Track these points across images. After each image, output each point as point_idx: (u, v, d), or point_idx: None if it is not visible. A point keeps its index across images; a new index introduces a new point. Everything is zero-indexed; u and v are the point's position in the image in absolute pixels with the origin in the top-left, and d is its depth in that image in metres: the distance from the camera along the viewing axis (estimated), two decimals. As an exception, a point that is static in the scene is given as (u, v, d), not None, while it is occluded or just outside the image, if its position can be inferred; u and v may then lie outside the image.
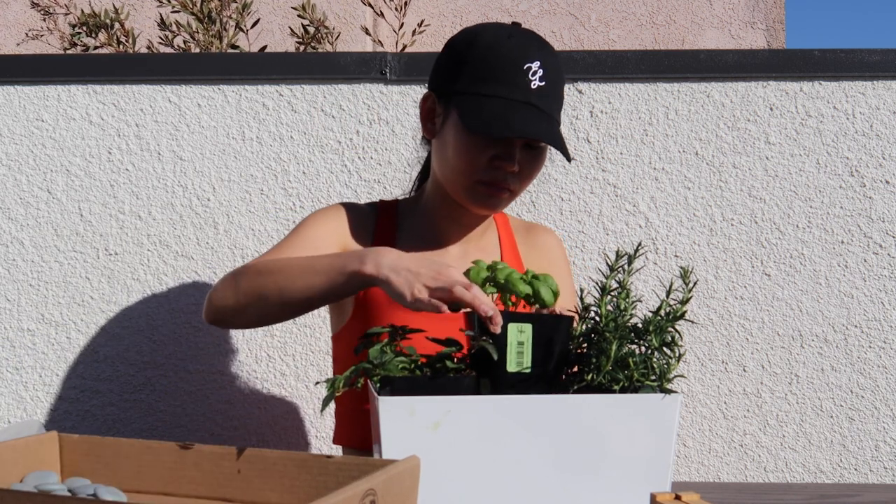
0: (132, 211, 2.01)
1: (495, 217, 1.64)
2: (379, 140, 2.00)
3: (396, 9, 2.70)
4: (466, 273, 1.24)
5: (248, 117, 2.01)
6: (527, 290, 1.21)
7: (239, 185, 2.01)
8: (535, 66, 1.41)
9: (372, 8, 2.83)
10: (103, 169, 2.02)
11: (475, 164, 1.44)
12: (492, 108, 1.40)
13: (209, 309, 1.44)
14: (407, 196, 1.67)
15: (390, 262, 1.26)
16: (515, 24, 1.49)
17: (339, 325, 1.57)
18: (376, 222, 1.56)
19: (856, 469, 1.98)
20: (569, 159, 1.42)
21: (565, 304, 1.64)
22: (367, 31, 2.77)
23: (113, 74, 2.02)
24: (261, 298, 1.36)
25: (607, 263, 1.21)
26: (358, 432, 1.55)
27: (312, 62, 2.02)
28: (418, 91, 1.99)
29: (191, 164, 2.01)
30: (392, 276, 1.24)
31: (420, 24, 2.72)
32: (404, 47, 2.73)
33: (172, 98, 2.02)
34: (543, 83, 1.41)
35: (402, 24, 2.72)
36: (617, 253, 1.21)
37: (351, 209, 1.57)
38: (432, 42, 4.79)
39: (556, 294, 1.23)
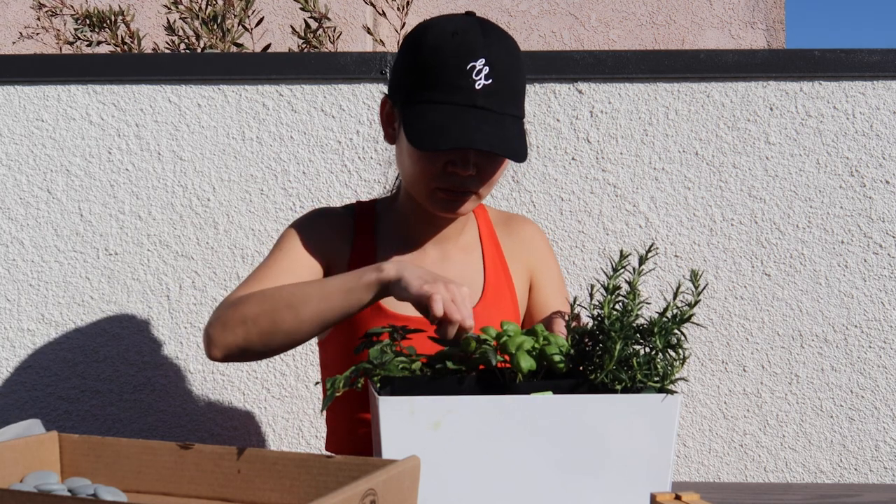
0: (132, 211, 2.01)
1: (475, 210, 1.61)
2: (379, 140, 2.00)
3: (398, 8, 2.69)
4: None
5: (248, 117, 2.01)
6: (530, 364, 1.18)
7: (239, 185, 2.01)
8: (479, 64, 1.35)
9: (374, 7, 2.82)
10: (103, 169, 2.02)
11: (430, 172, 1.40)
12: (432, 118, 1.36)
13: (215, 346, 1.36)
14: (386, 195, 1.65)
15: (409, 267, 1.28)
16: (468, 15, 1.43)
17: (325, 332, 1.57)
18: (354, 226, 1.54)
19: (856, 469, 1.98)
20: (520, 160, 1.37)
21: (557, 295, 1.62)
22: (368, 31, 2.77)
23: (113, 74, 2.02)
24: (272, 332, 1.33)
25: (611, 264, 1.20)
26: (346, 446, 1.54)
27: (312, 62, 2.02)
28: (418, 91, 1.99)
29: (191, 164, 2.01)
30: (407, 273, 1.26)
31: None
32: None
33: (172, 98, 2.02)
34: (490, 81, 1.35)
35: (405, 23, 2.71)
36: (621, 253, 1.21)
37: (327, 217, 1.54)
38: (432, 42, 4.79)
39: (562, 350, 1.21)
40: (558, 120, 1.99)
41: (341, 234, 1.52)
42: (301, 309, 1.32)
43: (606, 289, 1.19)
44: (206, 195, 2.01)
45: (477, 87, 1.35)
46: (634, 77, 1.99)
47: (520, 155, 1.38)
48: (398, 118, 1.44)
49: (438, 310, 1.20)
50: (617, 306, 1.18)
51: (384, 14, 2.77)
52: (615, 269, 1.19)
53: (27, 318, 2.02)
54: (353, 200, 1.98)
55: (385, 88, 1.99)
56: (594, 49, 4.54)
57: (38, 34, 3.08)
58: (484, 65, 1.36)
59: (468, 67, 1.35)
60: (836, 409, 1.98)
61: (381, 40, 2.81)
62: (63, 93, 2.02)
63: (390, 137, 1.50)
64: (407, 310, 1.43)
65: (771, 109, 1.99)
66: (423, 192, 1.44)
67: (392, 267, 1.29)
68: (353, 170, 2.00)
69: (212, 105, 2.02)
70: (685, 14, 4.80)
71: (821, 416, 1.98)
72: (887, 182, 1.98)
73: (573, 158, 2.00)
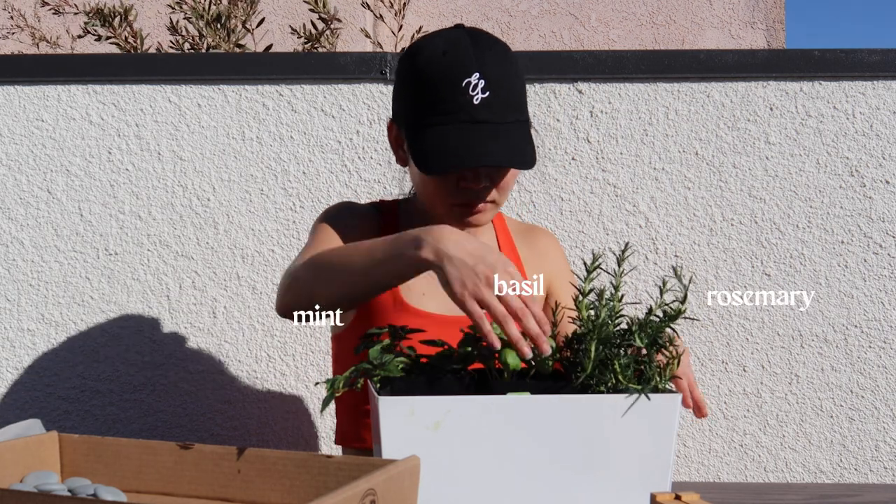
0: (132, 211, 2.01)
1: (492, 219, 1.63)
2: (379, 140, 2.00)
3: (396, 13, 2.69)
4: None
5: (248, 117, 2.01)
6: (517, 362, 1.19)
7: (239, 185, 2.01)
8: (473, 79, 1.36)
9: (371, 11, 2.82)
10: (103, 169, 2.02)
11: (443, 191, 1.42)
12: (437, 142, 1.37)
13: (284, 304, 1.37)
14: (405, 196, 1.66)
15: (449, 249, 1.18)
16: (457, 28, 1.44)
17: (339, 328, 1.57)
18: (380, 223, 1.55)
19: (856, 469, 1.98)
20: (527, 167, 1.38)
21: (571, 303, 1.63)
22: (367, 35, 2.76)
23: (113, 74, 2.02)
24: (328, 287, 1.31)
25: (585, 266, 1.20)
26: (360, 431, 1.55)
27: (312, 62, 2.02)
28: (418, 91, 1.99)
29: (191, 164, 2.01)
30: (447, 266, 1.17)
31: (419, 30, 2.72)
32: (403, 50, 2.72)
33: (172, 98, 2.02)
34: (487, 94, 1.36)
35: (402, 26, 2.71)
36: (593, 254, 1.21)
37: (355, 209, 1.56)
38: (432, 42, 4.79)
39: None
40: (558, 120, 1.99)
41: (369, 230, 1.53)
42: (348, 268, 1.29)
43: (581, 292, 1.19)
44: (206, 195, 2.01)
45: (475, 103, 1.36)
46: (634, 77, 1.99)
47: (527, 162, 1.38)
48: (404, 141, 1.45)
49: (486, 328, 1.14)
50: (594, 310, 1.18)
51: (382, 17, 2.77)
52: (589, 272, 1.19)
53: (27, 318, 2.02)
54: (354, 200, 1.98)
55: (384, 89, 2.00)
56: (594, 49, 4.54)
57: (13, 34, 3.07)
58: (479, 79, 1.36)
59: (464, 84, 1.36)
60: (836, 409, 1.98)
61: (379, 43, 2.81)
62: (63, 93, 2.02)
63: (401, 160, 1.51)
64: (430, 307, 1.44)
65: (771, 109, 1.99)
66: (440, 210, 1.46)
67: (430, 248, 1.19)
68: (353, 170, 2.00)
69: (212, 105, 2.02)
70: (685, 14, 4.80)
71: (821, 416, 1.98)
72: (887, 182, 1.98)
73: (573, 158, 2.00)
